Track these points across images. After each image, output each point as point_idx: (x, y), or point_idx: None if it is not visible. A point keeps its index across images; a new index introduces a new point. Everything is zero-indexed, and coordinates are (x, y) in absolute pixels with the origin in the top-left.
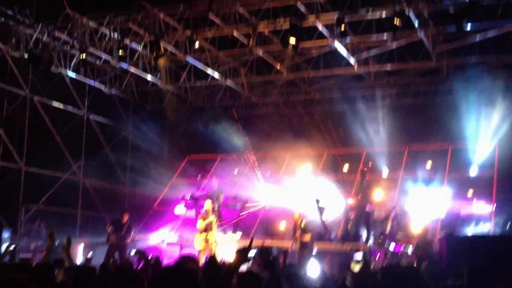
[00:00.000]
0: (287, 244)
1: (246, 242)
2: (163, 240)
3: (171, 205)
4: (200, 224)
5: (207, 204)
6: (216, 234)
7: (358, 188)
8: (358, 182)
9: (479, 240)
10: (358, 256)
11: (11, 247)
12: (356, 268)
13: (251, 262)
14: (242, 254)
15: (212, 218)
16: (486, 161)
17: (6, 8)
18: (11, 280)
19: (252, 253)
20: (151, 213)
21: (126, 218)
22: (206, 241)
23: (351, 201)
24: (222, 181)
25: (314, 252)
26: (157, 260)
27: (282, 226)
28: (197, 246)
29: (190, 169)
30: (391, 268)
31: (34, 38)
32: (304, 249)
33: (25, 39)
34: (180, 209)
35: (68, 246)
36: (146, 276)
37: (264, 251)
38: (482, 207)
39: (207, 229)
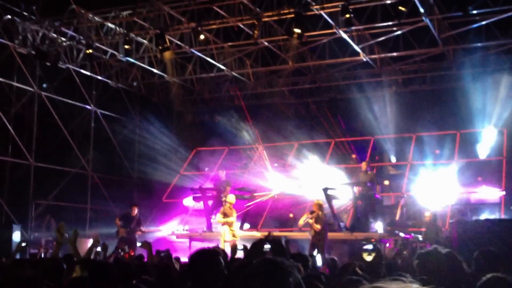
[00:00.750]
0: (296, 234)
1: (256, 233)
2: (172, 232)
3: (179, 197)
4: (220, 218)
5: (231, 198)
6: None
7: (363, 177)
8: (363, 171)
9: (490, 224)
10: (369, 246)
11: (23, 244)
12: (368, 258)
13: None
14: (257, 246)
15: (234, 213)
16: (495, 146)
17: (12, 5)
18: (23, 277)
19: (267, 246)
20: (160, 206)
21: (135, 211)
22: (234, 234)
23: (358, 189)
24: (230, 172)
25: (326, 244)
26: (168, 253)
27: (291, 216)
28: (227, 238)
29: (198, 160)
30: (428, 254)
31: (40, 34)
32: (316, 239)
33: (32, 36)
34: (188, 201)
35: (74, 240)
36: (153, 268)
37: (274, 240)
38: (492, 193)
39: (232, 222)
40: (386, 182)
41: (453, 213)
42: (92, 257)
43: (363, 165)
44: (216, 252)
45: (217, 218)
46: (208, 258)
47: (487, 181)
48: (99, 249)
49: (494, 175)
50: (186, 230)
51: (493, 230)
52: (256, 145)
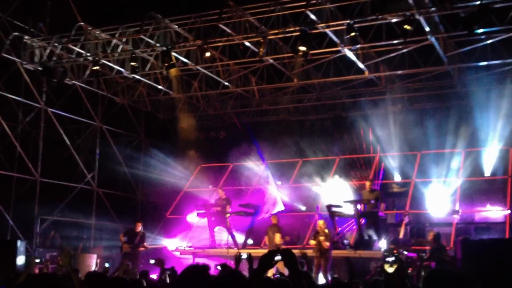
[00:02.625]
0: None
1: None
2: (176, 248)
3: (183, 214)
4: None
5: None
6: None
7: (367, 195)
8: (368, 189)
9: (495, 244)
10: (391, 258)
11: (36, 260)
12: (390, 269)
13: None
14: (267, 259)
15: None
16: (500, 165)
17: (20, 22)
18: None
19: (277, 258)
20: (164, 222)
21: (139, 227)
22: None
23: (362, 207)
24: (234, 188)
25: (330, 262)
26: (173, 270)
27: (293, 233)
28: None
29: (202, 177)
30: (436, 274)
31: (48, 51)
32: (321, 259)
33: (39, 52)
34: (192, 217)
35: (68, 258)
36: (163, 285)
37: (286, 251)
38: (497, 212)
39: None
40: (390, 200)
41: (458, 232)
42: (94, 270)
43: (367, 184)
44: (205, 268)
45: (278, 239)
46: (197, 275)
47: (491, 200)
48: (107, 264)
49: (499, 194)
50: (190, 247)
51: (498, 250)
52: (260, 161)
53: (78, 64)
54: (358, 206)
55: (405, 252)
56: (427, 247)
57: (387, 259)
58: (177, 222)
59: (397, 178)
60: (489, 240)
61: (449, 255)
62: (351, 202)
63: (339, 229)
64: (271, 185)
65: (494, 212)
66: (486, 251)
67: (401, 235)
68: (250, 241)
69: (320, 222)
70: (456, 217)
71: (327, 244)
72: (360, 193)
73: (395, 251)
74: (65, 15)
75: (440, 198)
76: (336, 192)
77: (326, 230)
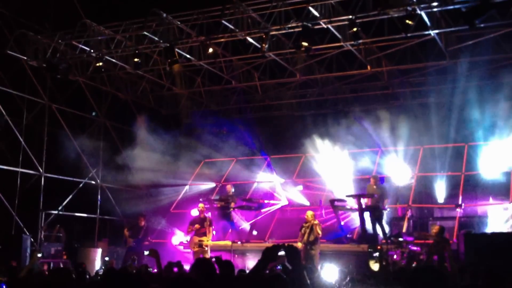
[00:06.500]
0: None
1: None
2: (180, 243)
3: (187, 208)
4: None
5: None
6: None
7: (371, 189)
8: (373, 184)
9: (497, 238)
10: (375, 255)
11: (39, 255)
12: (374, 266)
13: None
14: (270, 253)
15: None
16: (502, 159)
17: (24, 19)
18: None
19: (281, 252)
20: (168, 216)
21: (143, 222)
22: None
23: (366, 201)
24: (238, 183)
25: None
26: (179, 264)
27: (298, 227)
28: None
29: (205, 172)
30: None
31: (52, 47)
32: (310, 249)
33: (43, 49)
34: (196, 212)
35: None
36: (160, 277)
37: (289, 246)
38: (500, 206)
39: None
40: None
41: (461, 225)
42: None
43: (372, 180)
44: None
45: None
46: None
47: (494, 194)
48: (107, 258)
49: (501, 188)
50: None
51: (501, 244)
52: (263, 156)
53: (81, 60)
54: (362, 200)
55: (408, 246)
56: (430, 241)
57: (373, 255)
58: (181, 217)
59: (400, 172)
60: (492, 233)
61: (451, 249)
62: (353, 196)
63: (342, 223)
64: (274, 180)
65: (497, 206)
66: (489, 244)
67: (404, 229)
68: (254, 232)
69: (309, 213)
70: (459, 211)
71: (318, 231)
72: (364, 188)
73: (378, 247)
74: (68, 12)
75: (443, 192)
76: (339, 186)
77: (316, 221)
